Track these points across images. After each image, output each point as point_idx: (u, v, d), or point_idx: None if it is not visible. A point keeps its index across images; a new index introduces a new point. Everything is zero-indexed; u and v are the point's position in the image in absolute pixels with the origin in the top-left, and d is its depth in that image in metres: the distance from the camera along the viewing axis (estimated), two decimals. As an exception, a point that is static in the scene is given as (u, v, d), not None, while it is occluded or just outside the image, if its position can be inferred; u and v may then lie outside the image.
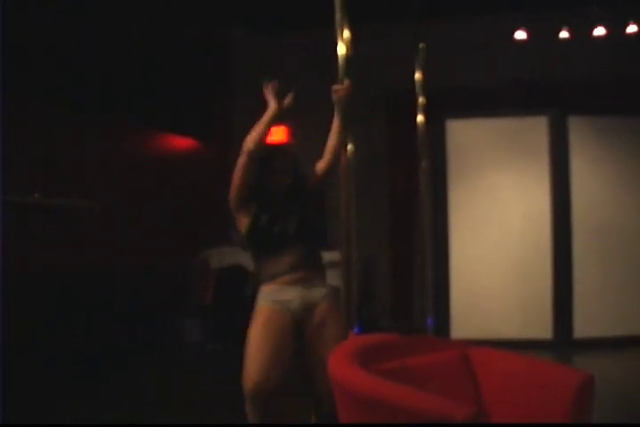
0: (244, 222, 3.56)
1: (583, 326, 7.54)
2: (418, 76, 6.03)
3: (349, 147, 3.75)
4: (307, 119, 9.27)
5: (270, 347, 3.38)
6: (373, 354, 3.23)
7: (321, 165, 3.72)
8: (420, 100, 5.16)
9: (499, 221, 7.81)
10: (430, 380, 3.27)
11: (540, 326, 7.58)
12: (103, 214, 7.12)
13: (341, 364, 3.02)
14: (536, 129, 7.77)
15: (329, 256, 8.94)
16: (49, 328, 6.49)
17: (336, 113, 3.67)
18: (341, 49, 3.76)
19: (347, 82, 3.72)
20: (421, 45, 6.23)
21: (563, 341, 7.53)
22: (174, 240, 8.43)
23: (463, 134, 7.95)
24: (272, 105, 3.58)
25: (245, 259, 8.85)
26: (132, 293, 7.66)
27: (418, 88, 5.91)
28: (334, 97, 3.68)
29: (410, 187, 8.67)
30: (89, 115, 7.16)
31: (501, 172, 7.91)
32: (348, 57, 3.75)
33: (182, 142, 9.01)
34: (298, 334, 3.50)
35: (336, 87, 3.67)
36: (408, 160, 8.41)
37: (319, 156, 3.75)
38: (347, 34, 3.73)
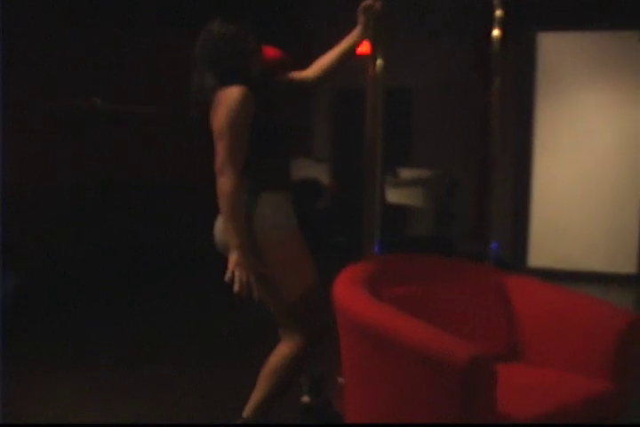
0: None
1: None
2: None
3: (378, 62, 3.24)
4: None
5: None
6: (390, 277, 2.86)
7: (303, 76, 3.17)
8: (498, 12, 4.56)
9: (590, 145, 7.14)
10: (454, 310, 2.89)
11: (626, 260, 6.99)
12: (174, 123, 6.87)
13: (346, 286, 2.66)
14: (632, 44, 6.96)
15: (412, 173, 8.57)
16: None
17: (361, 29, 3.15)
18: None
19: None
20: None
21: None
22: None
23: (555, 49, 7.23)
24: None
25: (321, 172, 8.56)
26: (200, 202, 7.48)
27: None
28: (364, 11, 3.09)
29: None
30: (165, 26, 6.86)
31: (596, 91, 7.18)
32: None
33: (270, 52, 8.63)
34: None
35: (367, 2, 3.07)
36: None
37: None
38: None
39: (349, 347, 2.62)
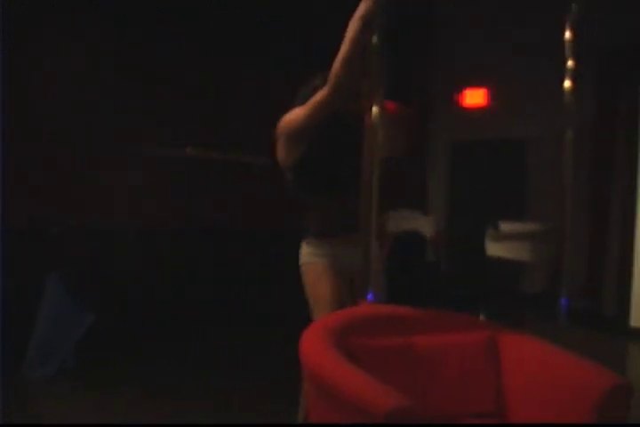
0: (293, 153, 3.11)
1: None
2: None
3: (374, 110, 3.16)
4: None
5: None
6: (370, 328, 2.82)
7: None
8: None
9: None
10: (442, 362, 2.79)
11: None
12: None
13: (314, 333, 2.65)
14: None
15: (525, 227, 8.34)
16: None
17: (355, 31, 2.87)
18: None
19: None
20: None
21: None
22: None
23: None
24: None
25: (423, 225, 8.51)
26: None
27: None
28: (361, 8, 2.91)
29: (612, 159, 7.76)
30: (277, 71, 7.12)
31: None
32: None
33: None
34: None
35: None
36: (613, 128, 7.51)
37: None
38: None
39: (308, 388, 2.61)
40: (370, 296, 3.04)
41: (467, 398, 2.75)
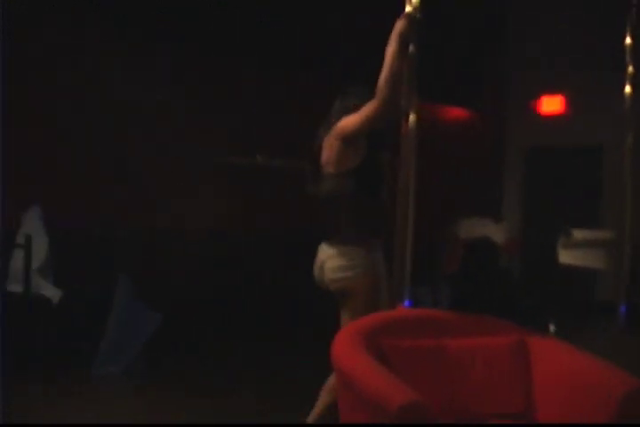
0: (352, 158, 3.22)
1: None
2: None
3: (411, 117, 3.28)
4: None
5: None
6: (408, 328, 2.91)
7: None
8: None
9: None
10: (469, 365, 2.86)
11: None
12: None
13: (346, 335, 2.77)
14: None
15: (597, 234, 8.20)
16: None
17: (395, 48, 3.10)
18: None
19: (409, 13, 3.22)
20: None
21: None
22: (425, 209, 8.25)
23: None
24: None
25: (494, 232, 8.45)
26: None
27: None
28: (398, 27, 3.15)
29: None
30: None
31: None
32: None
33: (454, 113, 8.79)
34: None
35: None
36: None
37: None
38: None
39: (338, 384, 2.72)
40: (407, 303, 3.12)
41: (495, 399, 2.82)
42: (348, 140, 3.17)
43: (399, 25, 3.13)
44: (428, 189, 8.16)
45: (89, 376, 4.86)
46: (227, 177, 6.67)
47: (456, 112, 8.82)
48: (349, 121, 3.16)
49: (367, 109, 3.09)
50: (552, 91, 8.95)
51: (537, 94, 9.10)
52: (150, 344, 5.13)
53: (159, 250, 6.11)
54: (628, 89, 5.43)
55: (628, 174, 4.58)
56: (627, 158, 4.70)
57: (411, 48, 3.20)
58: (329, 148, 3.25)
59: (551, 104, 9.04)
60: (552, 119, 9.01)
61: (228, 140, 6.65)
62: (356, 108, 3.15)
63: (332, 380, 3.12)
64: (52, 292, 4.97)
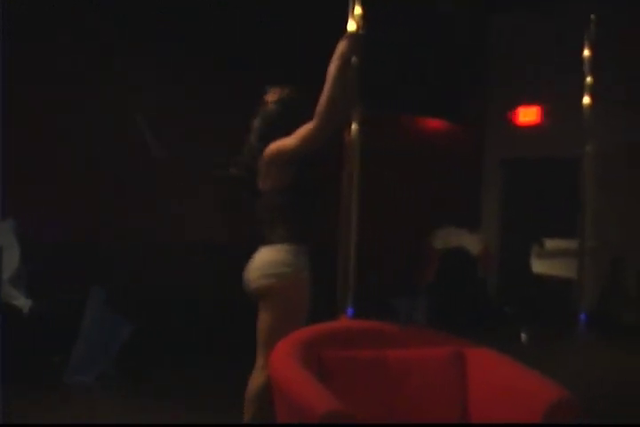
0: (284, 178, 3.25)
1: None
2: None
3: (353, 127, 3.38)
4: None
5: None
6: (349, 339, 3.03)
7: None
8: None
9: None
10: (408, 375, 2.97)
11: None
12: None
13: (286, 344, 2.88)
14: None
15: (569, 244, 8.33)
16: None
17: (336, 69, 3.08)
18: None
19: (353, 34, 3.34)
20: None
21: None
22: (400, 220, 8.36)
23: None
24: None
25: (469, 242, 8.57)
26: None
27: None
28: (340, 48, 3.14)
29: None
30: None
31: None
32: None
33: (433, 125, 8.91)
34: None
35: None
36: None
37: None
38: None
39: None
40: (349, 311, 3.24)
41: (430, 409, 2.92)
42: (285, 161, 3.18)
43: (341, 46, 3.11)
44: (402, 200, 8.35)
45: (61, 385, 4.96)
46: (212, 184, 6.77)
47: (435, 124, 8.95)
48: (285, 143, 3.14)
49: (304, 132, 3.08)
50: (528, 101, 9.08)
51: (514, 105, 9.23)
52: (124, 354, 5.24)
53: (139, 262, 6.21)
54: (586, 100, 5.56)
55: (590, 184, 4.68)
56: (587, 168, 4.80)
57: (353, 59, 3.23)
58: (264, 166, 3.24)
59: (528, 115, 9.17)
60: (528, 130, 9.14)
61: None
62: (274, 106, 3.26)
63: (250, 388, 3.18)
64: (22, 302, 5.10)
